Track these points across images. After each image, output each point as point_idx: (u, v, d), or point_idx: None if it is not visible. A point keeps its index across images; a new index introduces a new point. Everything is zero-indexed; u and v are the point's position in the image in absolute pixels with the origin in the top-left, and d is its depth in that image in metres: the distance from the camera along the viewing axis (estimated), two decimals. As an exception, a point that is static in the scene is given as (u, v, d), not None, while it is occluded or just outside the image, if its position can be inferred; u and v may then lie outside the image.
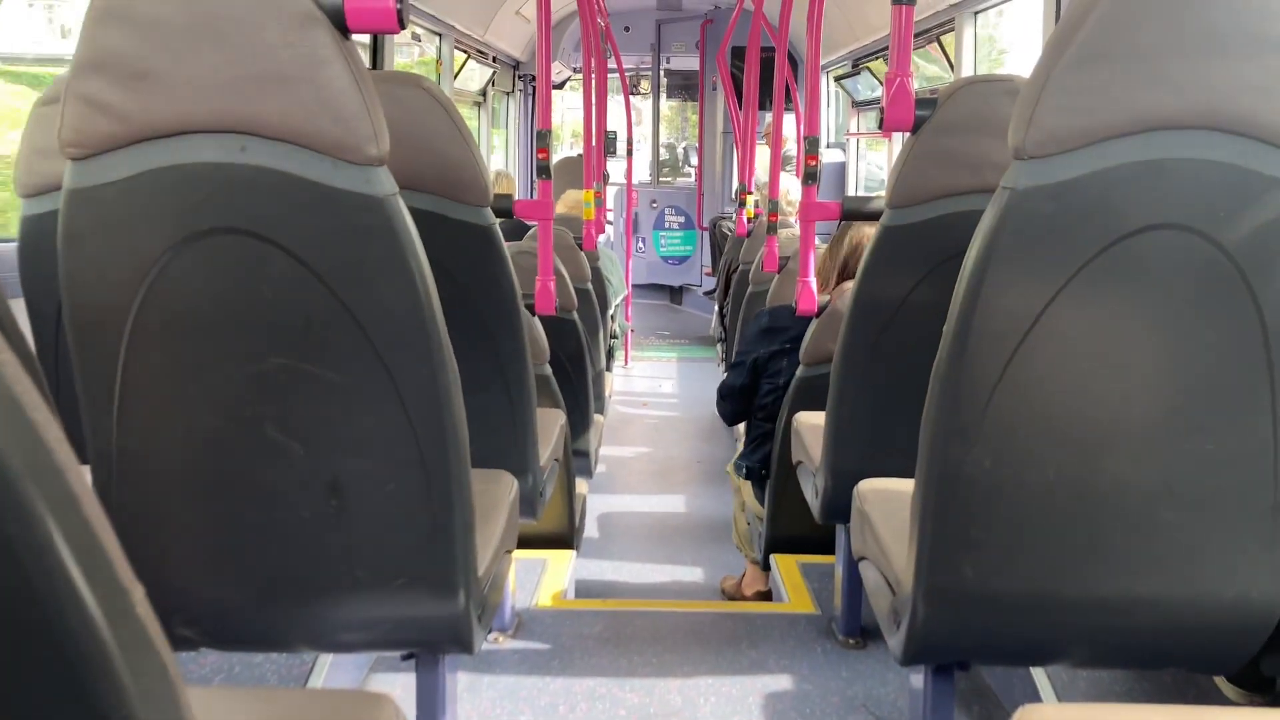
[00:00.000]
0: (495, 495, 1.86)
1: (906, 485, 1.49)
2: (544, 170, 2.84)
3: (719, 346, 6.99)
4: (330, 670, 2.15)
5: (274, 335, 1.30)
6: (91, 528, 0.49)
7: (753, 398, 3.22)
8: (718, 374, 6.57)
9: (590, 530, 4.40)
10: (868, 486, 1.92)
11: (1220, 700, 1.83)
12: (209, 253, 1.27)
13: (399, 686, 2.21)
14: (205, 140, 1.24)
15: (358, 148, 1.23)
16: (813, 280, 2.85)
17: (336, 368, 1.31)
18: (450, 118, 1.93)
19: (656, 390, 7.23)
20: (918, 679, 1.68)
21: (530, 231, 4.18)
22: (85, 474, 0.52)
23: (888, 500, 1.82)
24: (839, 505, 2.17)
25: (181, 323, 1.31)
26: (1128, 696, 1.96)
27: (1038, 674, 2.09)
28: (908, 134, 1.98)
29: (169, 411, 1.36)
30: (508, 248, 2.11)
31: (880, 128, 1.97)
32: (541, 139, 2.89)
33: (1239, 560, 1.36)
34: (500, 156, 8.02)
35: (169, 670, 0.55)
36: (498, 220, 2.08)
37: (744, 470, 3.27)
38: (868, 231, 2.89)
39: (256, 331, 1.30)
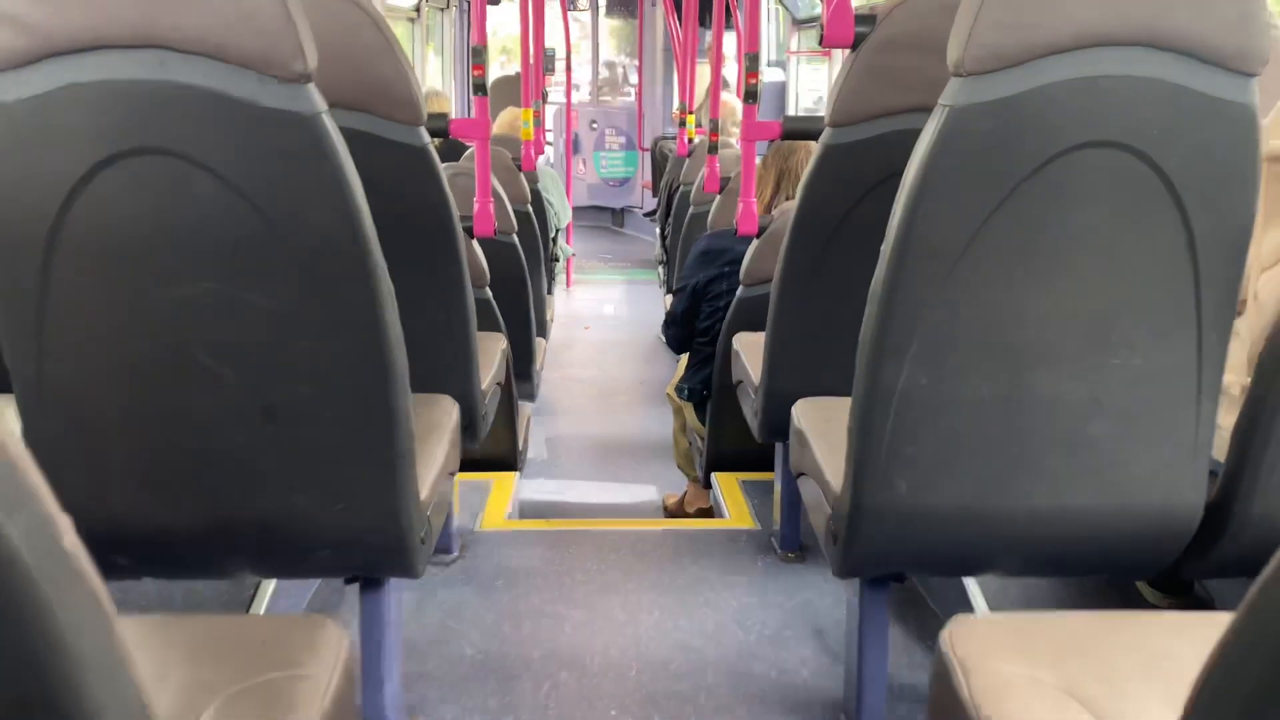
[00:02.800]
0: (435, 419, 1.85)
1: (843, 403, 1.51)
2: (480, 88, 2.77)
3: (660, 269, 6.97)
4: (273, 597, 2.14)
5: (201, 259, 1.27)
6: (10, 459, 0.48)
7: (695, 321, 3.23)
8: (659, 296, 6.56)
9: (534, 452, 4.41)
10: (805, 405, 1.94)
11: (1142, 605, 1.91)
12: (131, 174, 1.22)
13: (344, 610, 2.22)
14: (122, 55, 1.18)
15: (283, 63, 1.19)
16: (754, 200, 2.84)
17: (267, 292, 1.28)
18: (381, 32, 1.86)
19: (599, 313, 7.21)
20: (854, 591, 1.72)
21: (467, 152, 4.09)
22: (9, 402, 0.50)
23: (825, 418, 1.84)
24: (778, 423, 2.20)
25: (105, 246, 1.27)
26: (1055, 603, 2.04)
27: (970, 584, 2.16)
28: (848, 51, 1.96)
29: (95, 337, 1.32)
30: (444, 169, 2.07)
31: (821, 44, 1.94)
32: (477, 55, 2.81)
33: (1163, 470, 1.40)
34: (437, 74, 7.81)
35: (101, 602, 0.54)
36: (434, 140, 2.03)
37: (685, 392, 3.28)
38: (799, 149, 2.88)
39: (183, 255, 1.27)
